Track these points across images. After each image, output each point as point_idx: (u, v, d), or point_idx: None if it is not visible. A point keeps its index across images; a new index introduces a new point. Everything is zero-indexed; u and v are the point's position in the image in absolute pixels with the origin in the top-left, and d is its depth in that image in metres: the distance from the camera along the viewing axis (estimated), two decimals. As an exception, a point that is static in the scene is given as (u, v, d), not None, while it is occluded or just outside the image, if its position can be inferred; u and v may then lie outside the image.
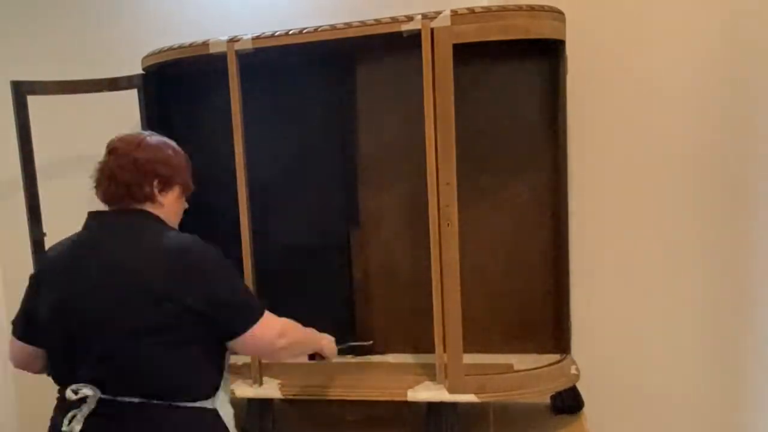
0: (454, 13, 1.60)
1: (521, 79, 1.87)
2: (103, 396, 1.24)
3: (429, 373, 1.78)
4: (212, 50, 1.76)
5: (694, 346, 1.75)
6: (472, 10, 1.61)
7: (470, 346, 1.83)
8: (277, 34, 1.72)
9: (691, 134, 1.86)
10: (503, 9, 1.63)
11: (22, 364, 1.45)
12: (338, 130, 2.01)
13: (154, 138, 1.45)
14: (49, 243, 1.99)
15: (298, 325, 1.48)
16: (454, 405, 1.70)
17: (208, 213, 2.11)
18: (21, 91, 1.96)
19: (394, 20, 1.64)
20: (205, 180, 2.09)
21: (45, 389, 2.28)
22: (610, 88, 1.89)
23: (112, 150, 1.39)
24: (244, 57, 1.76)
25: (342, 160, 2.01)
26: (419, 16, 1.61)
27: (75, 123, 2.27)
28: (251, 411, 1.85)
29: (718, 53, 1.67)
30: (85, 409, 1.23)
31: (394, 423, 1.86)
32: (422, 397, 1.69)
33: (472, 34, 1.58)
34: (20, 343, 1.41)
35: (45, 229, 2.01)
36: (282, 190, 2.03)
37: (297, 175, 2.04)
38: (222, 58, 1.75)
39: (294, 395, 1.81)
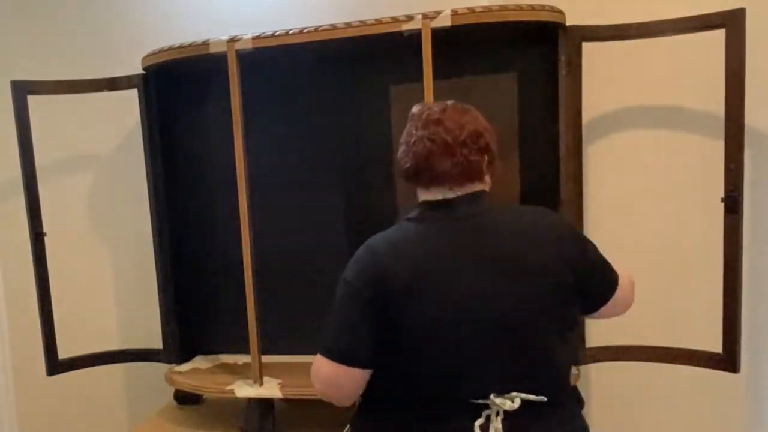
0: (455, 13, 1.60)
1: (522, 79, 1.87)
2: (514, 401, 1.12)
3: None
4: (212, 50, 1.76)
5: (695, 347, 1.75)
6: (472, 10, 1.61)
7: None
8: (277, 34, 1.72)
9: (694, 130, 1.86)
10: (503, 9, 1.63)
11: (347, 396, 1.21)
12: (339, 130, 2.01)
13: (468, 107, 1.25)
14: (49, 242, 2.00)
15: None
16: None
17: (209, 212, 2.13)
18: (21, 91, 1.96)
19: (395, 20, 1.64)
20: (206, 179, 2.11)
21: (44, 389, 2.30)
22: (610, 87, 1.89)
23: (439, 120, 1.19)
24: (244, 57, 1.76)
25: (343, 160, 2.01)
26: (419, 16, 1.61)
27: (75, 123, 2.27)
28: (251, 411, 1.85)
29: (721, 49, 1.65)
30: (495, 417, 1.11)
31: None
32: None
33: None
34: (360, 371, 1.17)
35: (45, 229, 2.01)
36: (281, 189, 2.03)
37: (297, 174, 2.04)
38: (222, 58, 1.75)
39: (294, 395, 1.80)
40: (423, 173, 1.20)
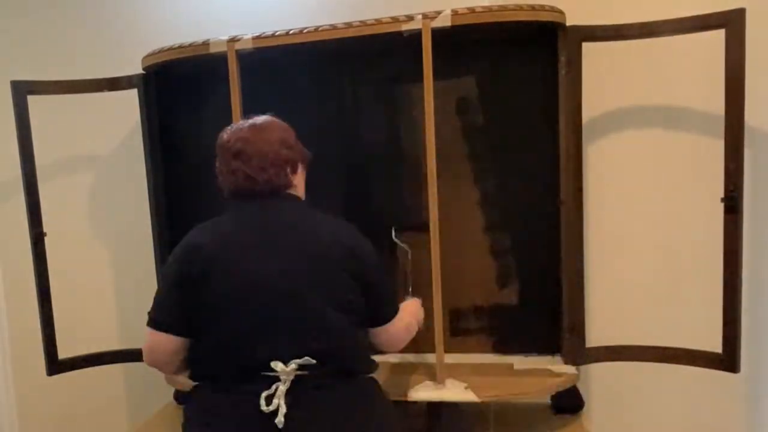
0: (455, 13, 1.60)
1: (523, 81, 1.87)
2: (300, 372, 1.27)
3: (429, 373, 1.78)
4: (212, 50, 1.76)
5: (695, 347, 1.75)
6: (472, 10, 1.61)
7: (470, 347, 1.83)
8: (277, 34, 1.72)
9: (694, 130, 1.86)
10: (503, 9, 1.63)
11: (165, 361, 1.37)
12: (339, 130, 2.00)
13: (264, 124, 1.45)
14: (49, 242, 2.01)
15: (409, 311, 1.60)
16: (454, 405, 1.70)
17: (209, 212, 2.12)
18: (21, 91, 1.96)
19: (395, 20, 1.64)
20: (206, 179, 2.11)
21: (44, 389, 2.30)
22: (610, 87, 1.89)
23: (239, 153, 1.40)
24: (244, 57, 1.76)
25: (343, 160, 2.01)
26: (419, 16, 1.61)
27: (75, 123, 2.27)
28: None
29: (721, 49, 1.65)
30: (282, 386, 1.25)
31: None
32: (422, 397, 1.69)
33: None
34: (173, 338, 1.34)
35: (45, 229, 2.01)
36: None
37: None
38: (222, 58, 1.75)
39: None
40: (240, 194, 1.42)
